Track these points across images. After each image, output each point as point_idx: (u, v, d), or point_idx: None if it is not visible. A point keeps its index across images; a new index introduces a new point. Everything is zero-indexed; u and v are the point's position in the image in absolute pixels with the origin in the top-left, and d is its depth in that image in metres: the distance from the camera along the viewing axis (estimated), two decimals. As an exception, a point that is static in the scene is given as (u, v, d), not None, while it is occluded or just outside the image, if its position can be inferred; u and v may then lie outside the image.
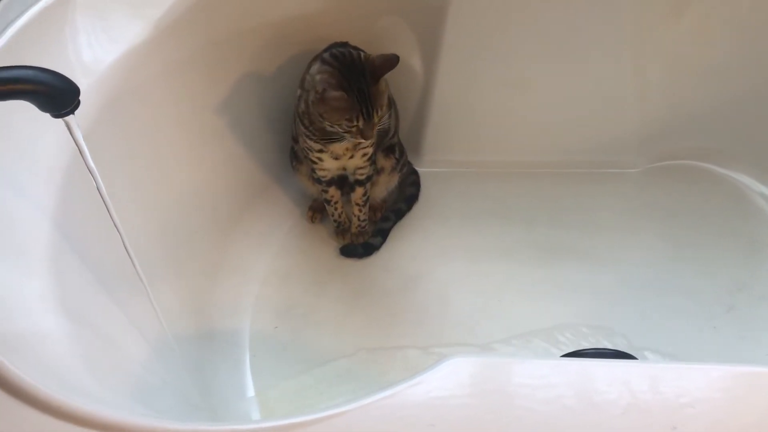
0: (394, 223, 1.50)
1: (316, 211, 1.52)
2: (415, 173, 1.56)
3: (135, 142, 1.21)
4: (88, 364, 0.89)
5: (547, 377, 0.73)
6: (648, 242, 1.45)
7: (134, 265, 0.99)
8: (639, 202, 1.53)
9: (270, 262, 1.46)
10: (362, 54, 1.21)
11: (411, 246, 1.48)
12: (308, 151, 1.33)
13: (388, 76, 1.20)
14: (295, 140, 1.41)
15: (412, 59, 1.51)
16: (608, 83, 1.51)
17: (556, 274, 1.41)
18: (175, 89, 1.29)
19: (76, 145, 0.85)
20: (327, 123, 1.21)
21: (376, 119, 1.19)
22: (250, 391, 1.27)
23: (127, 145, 1.19)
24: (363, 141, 1.22)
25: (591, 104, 1.53)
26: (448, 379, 0.73)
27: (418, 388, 0.73)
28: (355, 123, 1.18)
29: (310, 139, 1.29)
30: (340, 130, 1.20)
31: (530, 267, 1.43)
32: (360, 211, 1.45)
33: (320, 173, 1.38)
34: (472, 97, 1.54)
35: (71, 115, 0.80)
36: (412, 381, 0.73)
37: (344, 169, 1.37)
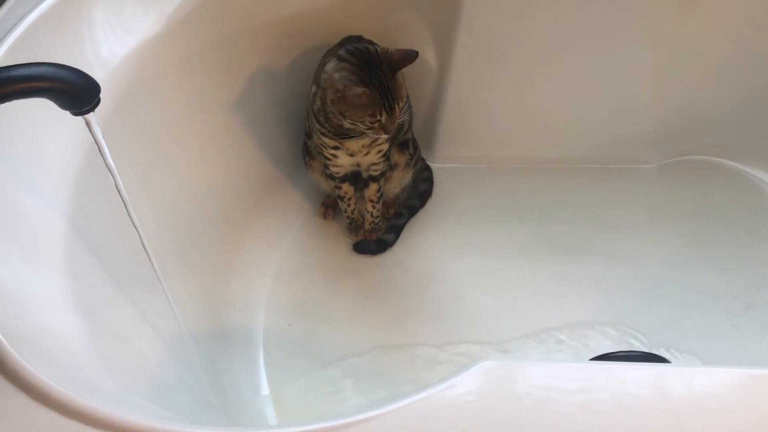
0: (408, 219, 1.49)
1: (329, 207, 1.51)
2: (429, 169, 1.55)
3: (147, 137, 1.20)
4: (103, 361, 0.89)
5: (579, 381, 0.73)
6: (663, 238, 1.44)
7: (152, 263, 0.98)
8: (654, 198, 1.52)
9: (283, 258, 1.45)
10: (378, 48, 1.19)
11: (424, 242, 1.47)
12: (322, 148, 1.32)
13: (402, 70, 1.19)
14: (308, 136, 1.40)
15: (425, 54, 1.49)
16: (623, 79, 1.50)
17: (570, 271, 1.40)
18: (187, 84, 1.28)
19: (96, 143, 0.84)
20: (348, 120, 1.19)
21: (398, 112, 1.18)
22: (264, 389, 1.27)
23: (139, 140, 1.18)
24: (384, 136, 1.20)
25: (605, 100, 1.52)
26: (479, 383, 0.73)
27: (450, 392, 0.72)
28: (378, 118, 1.17)
29: (325, 135, 1.28)
30: (362, 126, 1.19)
31: (544, 264, 1.42)
32: (373, 207, 1.43)
33: (334, 169, 1.37)
34: (486, 93, 1.52)
35: (91, 113, 0.78)
36: (443, 385, 0.72)
37: (358, 165, 1.36)
